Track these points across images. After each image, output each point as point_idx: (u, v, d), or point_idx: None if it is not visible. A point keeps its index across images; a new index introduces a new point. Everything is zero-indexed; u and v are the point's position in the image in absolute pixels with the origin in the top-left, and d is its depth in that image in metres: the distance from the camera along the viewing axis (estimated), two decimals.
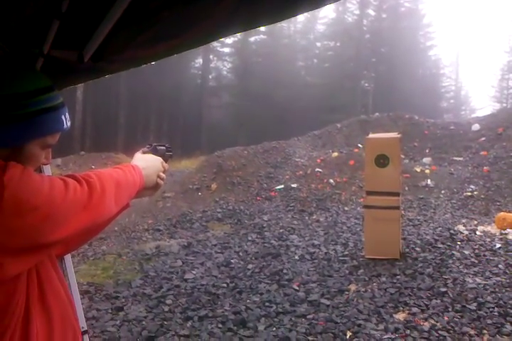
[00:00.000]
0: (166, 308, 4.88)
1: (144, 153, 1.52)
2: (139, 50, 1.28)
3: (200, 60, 34.00)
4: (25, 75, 1.08)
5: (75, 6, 1.18)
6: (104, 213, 1.12)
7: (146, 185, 1.39)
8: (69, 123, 1.16)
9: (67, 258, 2.35)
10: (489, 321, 4.10)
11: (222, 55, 36.08)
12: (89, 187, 1.07)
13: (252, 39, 35.17)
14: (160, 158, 1.51)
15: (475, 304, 4.45)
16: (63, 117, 1.12)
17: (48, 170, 2.38)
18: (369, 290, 4.99)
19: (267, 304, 4.83)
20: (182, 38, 1.08)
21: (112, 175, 1.20)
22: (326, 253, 6.47)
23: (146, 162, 1.44)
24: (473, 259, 5.72)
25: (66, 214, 1.00)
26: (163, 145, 1.60)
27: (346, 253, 6.37)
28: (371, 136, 6.58)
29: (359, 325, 4.18)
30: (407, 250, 6.13)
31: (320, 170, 12.13)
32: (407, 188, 10.37)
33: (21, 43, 1.67)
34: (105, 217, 1.14)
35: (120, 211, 1.29)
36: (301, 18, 35.82)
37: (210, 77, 36.16)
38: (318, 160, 12.90)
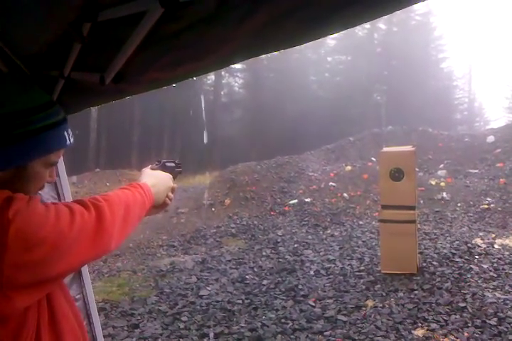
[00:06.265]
0: (182, 325, 4.86)
1: (152, 169, 1.48)
2: (160, 72, 1.30)
3: (212, 77, 34.32)
4: (24, 92, 1.05)
5: (96, 30, 1.21)
6: (114, 237, 1.08)
7: (155, 203, 1.35)
8: (72, 139, 1.12)
9: (86, 275, 2.37)
10: (510, 337, 4.01)
11: (233, 71, 36.35)
12: (97, 211, 1.03)
13: (265, 55, 35.42)
14: (169, 175, 1.47)
15: (495, 319, 4.36)
16: (66, 133, 1.09)
17: (66, 186, 2.42)
18: (386, 306, 4.92)
19: (283, 320, 4.78)
20: (202, 61, 1.10)
21: (121, 198, 1.16)
22: (341, 268, 6.41)
23: (155, 179, 1.39)
24: (492, 273, 5.62)
25: (75, 243, 0.97)
26: (173, 162, 1.56)
27: (362, 268, 6.30)
28: (385, 149, 6.56)
29: None
30: (424, 264, 6.05)
31: (333, 184, 12.08)
32: (422, 201, 10.27)
33: (42, 66, 1.72)
34: (116, 240, 1.10)
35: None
36: None
37: (222, 93, 36.44)
38: (332, 174, 12.86)
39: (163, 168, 1.50)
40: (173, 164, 1.55)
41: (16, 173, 1.02)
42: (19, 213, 0.90)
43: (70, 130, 1.11)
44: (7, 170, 1.01)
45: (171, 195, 1.45)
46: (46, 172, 1.10)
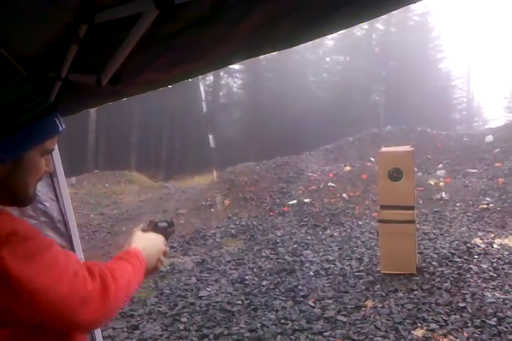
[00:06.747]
0: (182, 326, 4.85)
1: (144, 231, 1.44)
2: (157, 73, 1.30)
3: (211, 78, 34.32)
4: (12, 82, 1.05)
5: (93, 31, 1.21)
6: (116, 307, 1.11)
7: (147, 267, 1.33)
8: (64, 125, 1.12)
9: None
10: (510, 337, 4.00)
11: (232, 71, 36.33)
12: (101, 281, 1.04)
13: (262, 55, 35.39)
14: (161, 237, 1.44)
15: (495, 319, 4.35)
16: (56, 119, 1.09)
17: (64, 187, 2.41)
18: (386, 306, 4.92)
19: (282, 321, 4.78)
20: (199, 62, 1.10)
21: (123, 273, 1.16)
22: (341, 268, 6.40)
23: (145, 242, 1.37)
24: (491, 273, 5.62)
25: (72, 306, 0.96)
26: (165, 221, 1.54)
27: (362, 268, 6.30)
28: (384, 149, 6.56)
29: None
30: (424, 264, 6.04)
31: (333, 184, 12.08)
32: (421, 201, 10.28)
33: (39, 68, 1.72)
34: (115, 310, 1.12)
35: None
36: None
37: (221, 93, 36.43)
38: (331, 175, 12.86)
39: (155, 228, 1.48)
40: (165, 224, 1.53)
41: (13, 166, 1.01)
42: (17, 256, 0.89)
43: (59, 116, 1.11)
44: (5, 163, 1.00)
45: (162, 258, 1.42)
46: (42, 161, 1.09)
